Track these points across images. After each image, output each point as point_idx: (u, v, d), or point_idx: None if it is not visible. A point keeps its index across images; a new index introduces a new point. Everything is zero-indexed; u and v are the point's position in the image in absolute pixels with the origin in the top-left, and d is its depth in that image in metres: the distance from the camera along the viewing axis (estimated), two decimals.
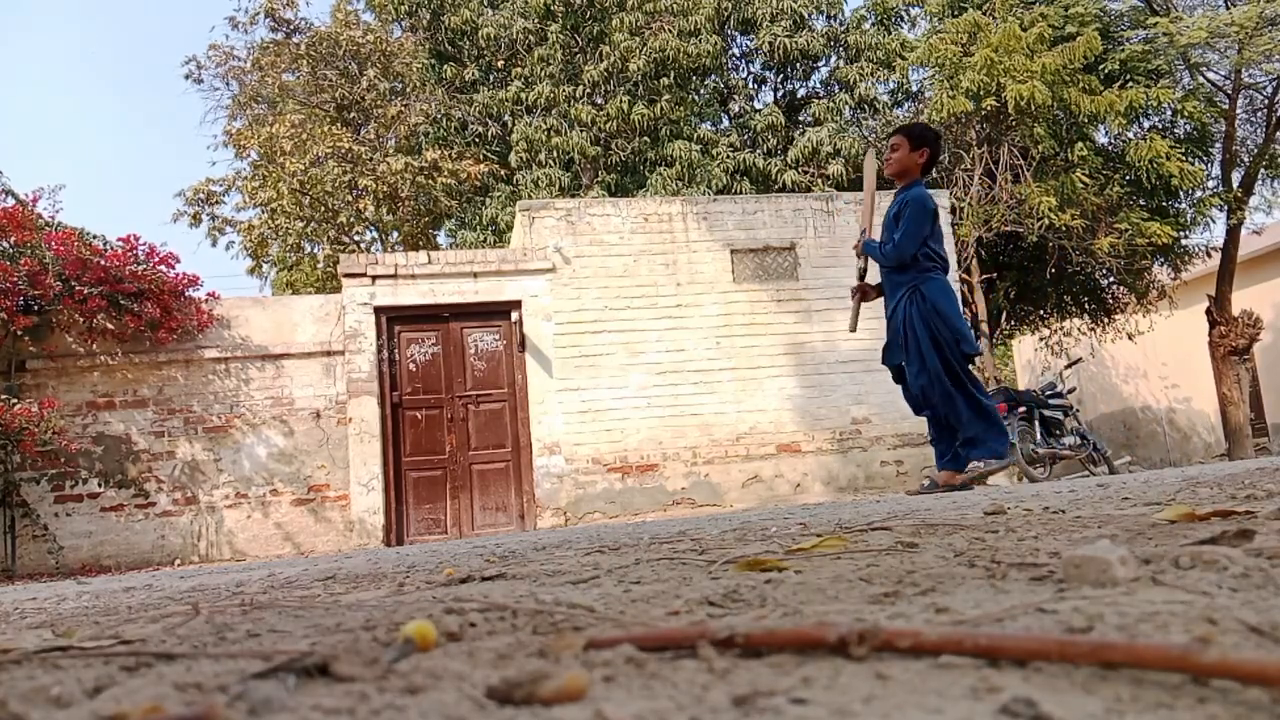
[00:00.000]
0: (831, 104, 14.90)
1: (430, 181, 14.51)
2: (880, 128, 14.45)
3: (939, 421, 5.21)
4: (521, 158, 14.23)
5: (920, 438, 9.63)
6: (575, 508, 8.96)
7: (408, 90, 15.98)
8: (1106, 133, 11.90)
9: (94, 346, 8.54)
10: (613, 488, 9.09)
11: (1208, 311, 12.72)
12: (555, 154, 14.14)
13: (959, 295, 10.25)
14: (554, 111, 14.39)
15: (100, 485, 8.44)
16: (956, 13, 12.12)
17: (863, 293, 5.62)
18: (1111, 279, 13.19)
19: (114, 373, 8.64)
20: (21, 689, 0.79)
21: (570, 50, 14.86)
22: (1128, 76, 11.14)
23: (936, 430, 5.28)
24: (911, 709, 0.60)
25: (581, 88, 14.53)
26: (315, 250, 16.42)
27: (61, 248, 8.20)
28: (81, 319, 8.36)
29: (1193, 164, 11.26)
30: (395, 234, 16.46)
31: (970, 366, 5.18)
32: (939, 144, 5.35)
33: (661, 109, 14.08)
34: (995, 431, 5.06)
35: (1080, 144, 11.14)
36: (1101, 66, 11.19)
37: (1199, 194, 12.04)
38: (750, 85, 16.37)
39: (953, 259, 10.13)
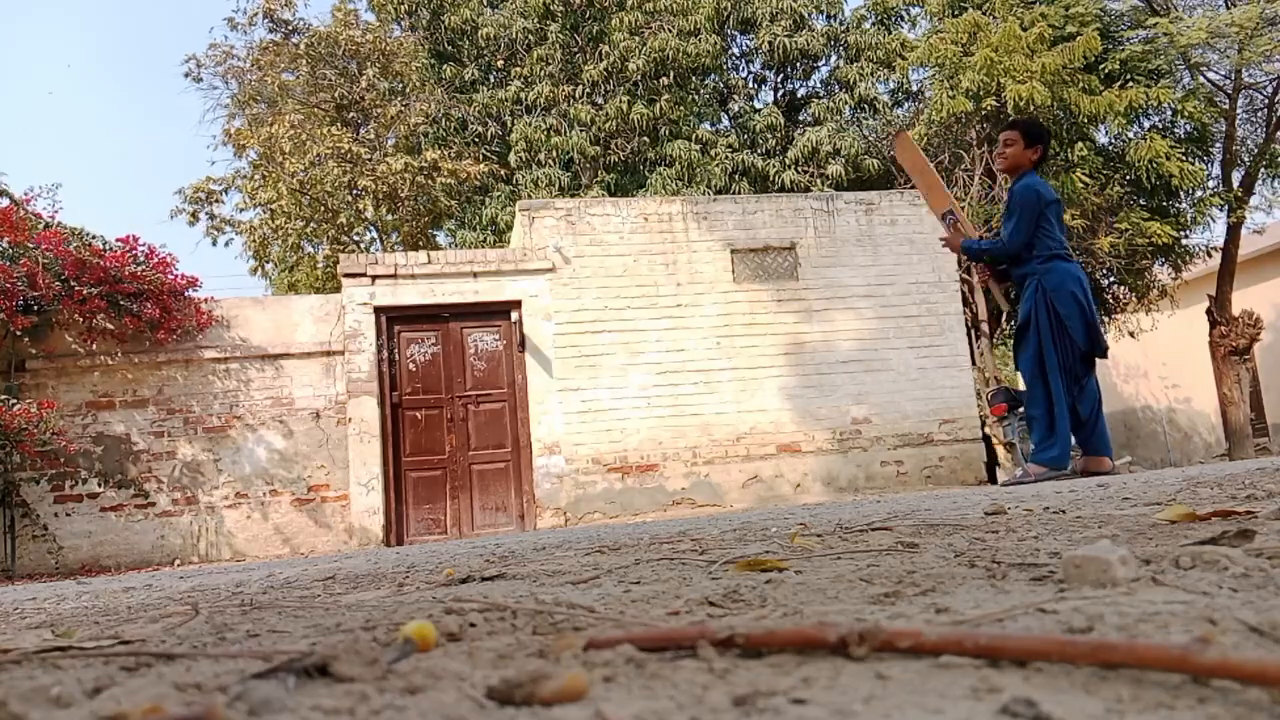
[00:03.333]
0: (831, 104, 14.90)
1: (430, 181, 14.51)
2: (880, 127, 14.45)
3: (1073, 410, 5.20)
4: (521, 158, 14.22)
5: (920, 437, 9.63)
6: (575, 508, 8.96)
7: (407, 90, 15.97)
8: (1106, 133, 11.90)
9: (94, 346, 8.54)
10: (613, 488, 9.09)
11: (1208, 311, 12.73)
12: (555, 154, 14.14)
13: (960, 295, 10.26)
14: (554, 111, 14.39)
15: (100, 485, 8.43)
16: (956, 13, 12.12)
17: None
18: (1112, 279, 13.19)
19: (114, 373, 8.64)
20: (21, 689, 0.79)
21: (570, 50, 14.85)
22: (1128, 76, 11.13)
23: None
24: (911, 709, 0.60)
25: (581, 87, 14.53)
26: (315, 250, 16.42)
27: (54, 248, 8.19)
28: (81, 319, 8.36)
29: (1193, 164, 11.26)
30: (395, 234, 16.46)
31: (1072, 367, 5.10)
32: (1050, 139, 5.44)
33: (661, 109, 14.07)
34: (1057, 443, 5.08)
35: (1080, 144, 11.15)
36: (1101, 66, 11.18)
37: (1199, 194, 12.04)
38: (750, 85, 16.36)
39: (953, 259, 10.13)
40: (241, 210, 16.14)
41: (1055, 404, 5.10)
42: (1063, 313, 5.09)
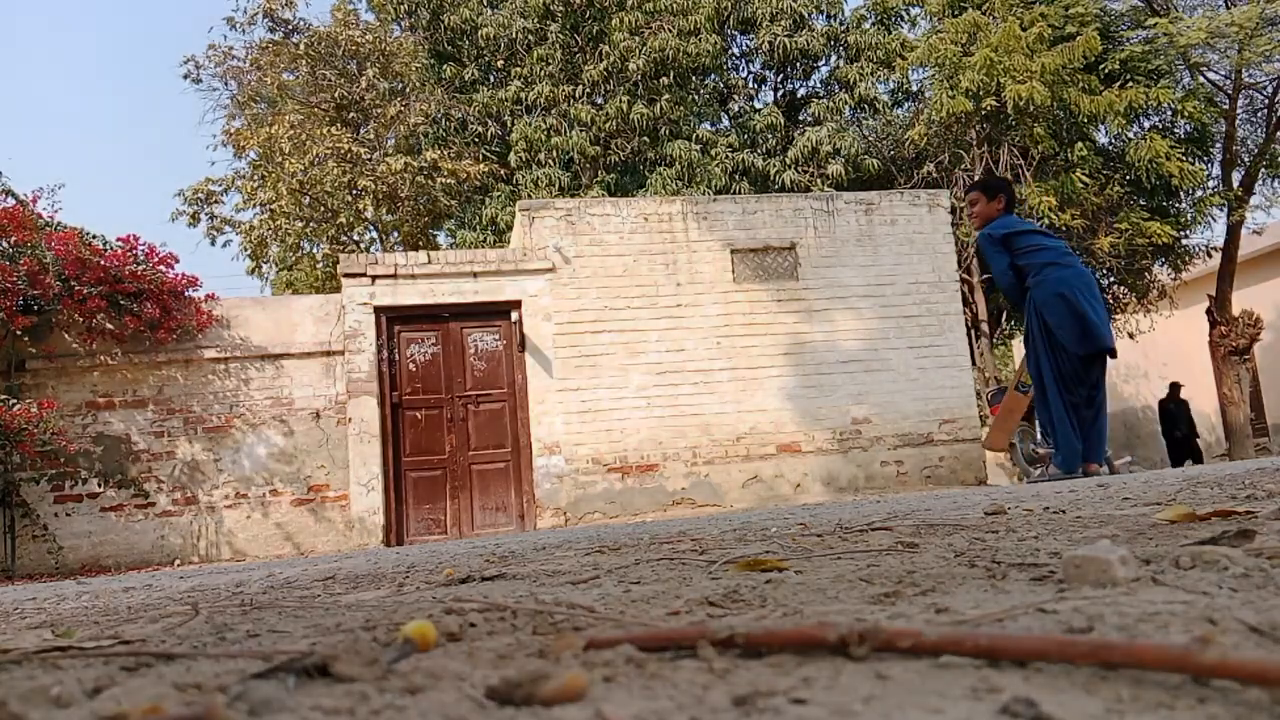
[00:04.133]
0: (831, 104, 14.89)
1: (430, 181, 14.50)
2: (880, 127, 14.45)
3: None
4: (521, 158, 14.22)
5: (920, 437, 9.63)
6: (575, 508, 8.96)
7: (407, 90, 15.96)
8: (1106, 133, 11.90)
9: (94, 346, 8.53)
10: (613, 488, 9.09)
11: (1208, 311, 12.72)
12: (555, 154, 14.14)
13: (960, 295, 10.28)
14: (554, 111, 14.38)
15: (100, 485, 8.43)
16: (956, 13, 12.12)
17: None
18: (1112, 279, 13.19)
19: (114, 373, 8.64)
20: (21, 689, 0.79)
21: (570, 50, 14.85)
22: (1128, 76, 11.13)
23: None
24: (912, 709, 0.60)
25: (581, 87, 14.52)
26: (315, 250, 16.41)
27: (61, 248, 8.20)
28: (81, 319, 8.35)
29: (1193, 164, 11.27)
30: (395, 234, 16.45)
31: (1075, 370, 5.38)
32: (1011, 188, 5.88)
33: (661, 109, 14.07)
34: (1060, 448, 5.39)
35: (1080, 144, 11.15)
36: (1101, 66, 11.18)
37: (1199, 194, 12.05)
38: (750, 85, 16.35)
39: (953, 259, 10.16)
40: (239, 210, 16.13)
41: (1054, 414, 5.38)
42: (1051, 323, 5.35)
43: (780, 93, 16.52)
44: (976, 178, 11.62)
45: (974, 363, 11.02)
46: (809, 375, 9.54)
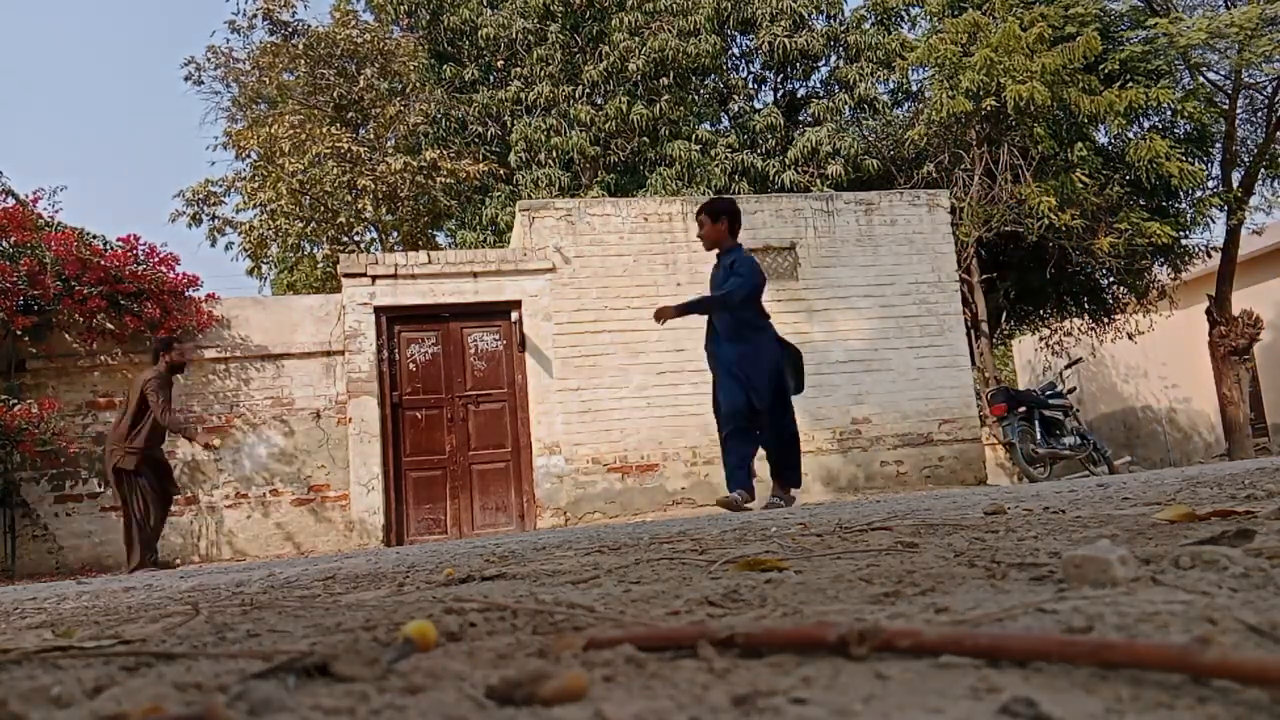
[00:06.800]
0: (831, 104, 14.88)
1: (430, 181, 14.49)
2: (880, 127, 14.45)
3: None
4: (521, 158, 14.21)
5: (920, 437, 9.63)
6: (575, 508, 8.96)
7: (407, 90, 15.95)
8: (1106, 133, 11.89)
9: (94, 346, 8.53)
10: (613, 488, 9.08)
11: (1208, 311, 12.72)
12: (555, 154, 14.13)
13: (959, 295, 10.31)
14: (553, 111, 14.37)
15: (100, 485, 8.43)
16: (956, 13, 12.12)
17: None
18: (1111, 279, 13.19)
19: (114, 373, 8.64)
20: (21, 689, 0.79)
21: (570, 50, 14.84)
22: (1128, 76, 11.13)
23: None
24: (911, 709, 0.60)
25: (581, 88, 14.52)
26: (315, 250, 16.39)
27: (61, 248, 8.20)
28: (81, 319, 8.35)
29: (1193, 164, 11.25)
30: (395, 234, 16.44)
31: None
32: (737, 211, 5.89)
33: (661, 109, 14.06)
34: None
35: (1080, 144, 11.14)
36: (1101, 66, 11.18)
37: (1199, 194, 12.04)
38: (750, 85, 16.34)
39: (953, 259, 10.18)
40: (240, 211, 16.12)
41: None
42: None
43: (780, 93, 16.51)
44: (976, 178, 11.63)
45: (974, 363, 11.01)
46: (809, 375, 9.51)
